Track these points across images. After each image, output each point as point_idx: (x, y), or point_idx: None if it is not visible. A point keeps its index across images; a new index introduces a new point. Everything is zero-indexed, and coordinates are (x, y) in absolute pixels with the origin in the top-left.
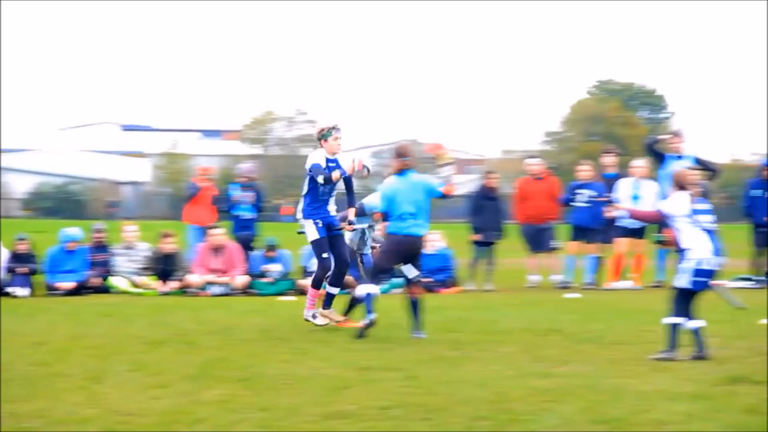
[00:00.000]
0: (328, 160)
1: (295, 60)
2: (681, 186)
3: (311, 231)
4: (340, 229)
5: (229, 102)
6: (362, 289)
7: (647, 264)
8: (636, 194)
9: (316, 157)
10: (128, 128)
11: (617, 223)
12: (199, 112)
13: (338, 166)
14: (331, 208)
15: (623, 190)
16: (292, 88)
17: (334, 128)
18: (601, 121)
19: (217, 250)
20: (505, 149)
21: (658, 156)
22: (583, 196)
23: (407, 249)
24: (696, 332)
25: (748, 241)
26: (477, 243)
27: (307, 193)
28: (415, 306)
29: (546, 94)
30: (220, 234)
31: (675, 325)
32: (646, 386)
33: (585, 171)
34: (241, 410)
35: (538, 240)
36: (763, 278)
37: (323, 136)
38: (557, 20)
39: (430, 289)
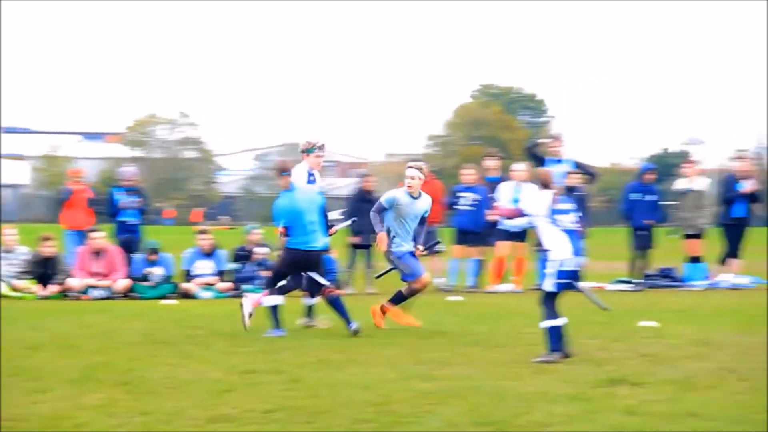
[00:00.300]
0: (310, 174)
1: (178, 62)
2: (545, 185)
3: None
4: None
5: (111, 104)
6: (268, 301)
7: (528, 267)
8: (517, 197)
9: (297, 170)
10: (8, 131)
11: (499, 227)
12: (80, 114)
13: (315, 180)
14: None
15: (504, 193)
16: (174, 90)
17: (318, 147)
18: (483, 124)
19: (97, 253)
20: (389, 152)
21: (538, 159)
22: (467, 200)
23: (307, 262)
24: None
25: (626, 244)
26: (355, 246)
27: None
28: (335, 303)
29: (429, 98)
30: (101, 237)
31: (551, 329)
32: (527, 388)
33: (468, 174)
34: (123, 414)
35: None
36: (642, 281)
37: (307, 150)
38: (440, 24)
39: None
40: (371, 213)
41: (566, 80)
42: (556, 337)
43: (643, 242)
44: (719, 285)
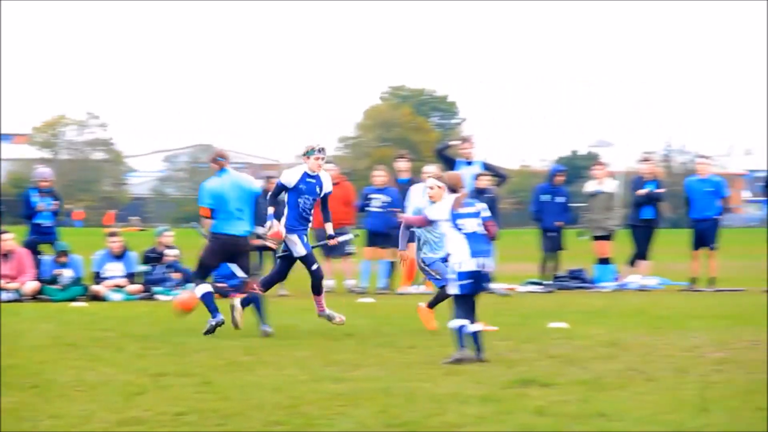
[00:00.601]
0: (307, 175)
1: (88, 63)
2: (453, 189)
3: (298, 246)
4: (325, 244)
5: (19, 105)
6: (199, 291)
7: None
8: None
9: (291, 172)
10: None
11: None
12: None
13: (318, 183)
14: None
15: (415, 195)
16: (84, 91)
17: (318, 149)
18: (394, 126)
19: (5, 255)
20: (299, 154)
21: (448, 161)
22: (378, 202)
23: (232, 248)
24: (474, 336)
25: (536, 245)
26: (260, 248)
27: (288, 209)
28: (256, 302)
29: (340, 100)
30: (9, 239)
31: (460, 328)
32: (439, 389)
33: (379, 176)
34: (32, 418)
35: (332, 245)
36: (552, 282)
37: (307, 153)
38: (350, 25)
39: (224, 294)
40: (401, 227)
41: (478, 82)
42: (462, 336)
43: (552, 244)
44: (628, 286)
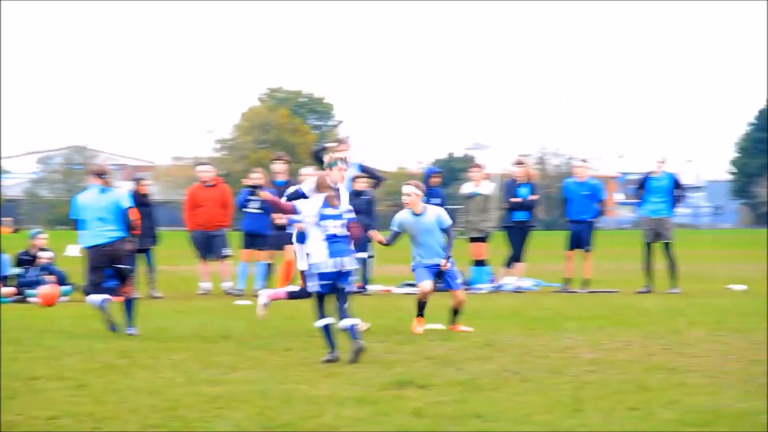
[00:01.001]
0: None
1: None
2: (319, 189)
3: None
4: None
5: None
6: (93, 299)
7: None
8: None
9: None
10: None
11: (288, 231)
12: None
13: (338, 197)
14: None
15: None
16: None
17: (340, 160)
18: (271, 128)
19: None
20: (176, 156)
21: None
22: (255, 203)
23: (103, 256)
24: (350, 330)
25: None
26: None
27: None
28: (128, 304)
29: (217, 101)
30: None
31: (326, 327)
32: (316, 391)
33: (256, 178)
34: None
35: (208, 247)
36: None
37: (330, 164)
38: (228, 26)
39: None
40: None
41: (565, 80)
42: (330, 335)
43: None
44: (503, 288)
